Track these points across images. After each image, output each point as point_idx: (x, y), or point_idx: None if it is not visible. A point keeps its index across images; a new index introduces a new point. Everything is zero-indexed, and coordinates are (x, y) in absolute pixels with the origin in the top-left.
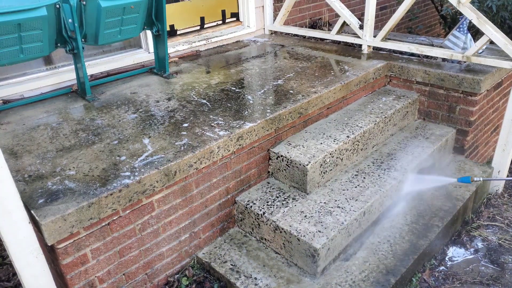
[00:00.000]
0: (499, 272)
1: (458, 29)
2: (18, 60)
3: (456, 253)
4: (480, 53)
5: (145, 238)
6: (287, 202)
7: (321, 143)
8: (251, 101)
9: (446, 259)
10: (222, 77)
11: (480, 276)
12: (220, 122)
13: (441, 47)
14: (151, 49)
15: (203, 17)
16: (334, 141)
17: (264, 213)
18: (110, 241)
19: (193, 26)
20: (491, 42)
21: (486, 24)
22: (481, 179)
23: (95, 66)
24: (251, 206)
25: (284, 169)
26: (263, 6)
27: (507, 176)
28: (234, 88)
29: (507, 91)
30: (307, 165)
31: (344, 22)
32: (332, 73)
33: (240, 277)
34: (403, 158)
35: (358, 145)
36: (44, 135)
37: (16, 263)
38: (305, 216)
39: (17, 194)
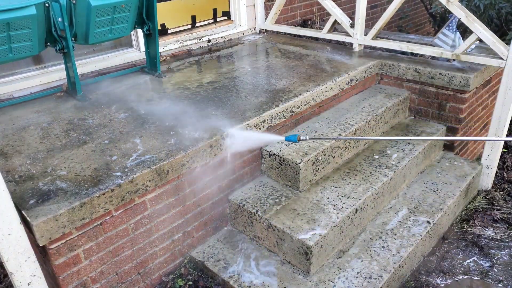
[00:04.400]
0: (489, 267)
1: (447, 28)
2: (7, 59)
3: (448, 249)
4: (469, 51)
5: (138, 238)
6: (280, 200)
7: (313, 141)
8: (243, 100)
9: (438, 254)
10: (214, 76)
11: (471, 270)
12: (213, 120)
13: (431, 45)
14: (142, 48)
15: (194, 16)
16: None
17: (257, 211)
18: (102, 241)
19: (185, 25)
20: (480, 40)
21: (475, 23)
22: (307, 138)
23: (86, 65)
24: (244, 205)
25: (277, 168)
26: (254, 5)
27: (496, 173)
28: (226, 87)
29: (495, 88)
30: (299, 163)
31: (335, 20)
32: (324, 72)
33: (233, 275)
34: (394, 155)
35: (349, 142)
36: (34, 135)
37: (7, 264)
38: (298, 213)
39: (7, 194)
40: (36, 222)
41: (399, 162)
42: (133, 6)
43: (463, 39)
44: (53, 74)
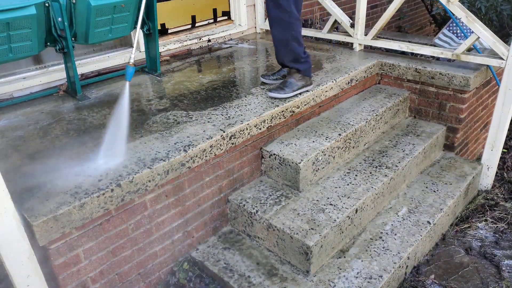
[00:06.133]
0: (494, 268)
1: (448, 28)
2: (7, 59)
3: (448, 249)
4: (469, 51)
5: (138, 238)
6: (280, 200)
7: (313, 141)
8: (243, 100)
9: (438, 254)
10: (214, 76)
11: (471, 270)
12: (213, 120)
13: (431, 45)
14: (142, 48)
15: (194, 15)
16: (326, 139)
17: (257, 211)
18: (102, 241)
19: (185, 25)
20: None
21: (475, 23)
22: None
23: (86, 65)
24: (244, 205)
25: (277, 168)
26: (254, 5)
27: (496, 173)
28: (226, 87)
29: (495, 88)
30: (299, 163)
31: (336, 20)
32: (324, 72)
33: (233, 275)
34: (394, 156)
35: (349, 143)
36: (34, 134)
37: (7, 264)
38: (298, 214)
39: (7, 194)
40: (36, 222)
41: (399, 162)
42: (133, 6)
43: (463, 39)
44: (53, 74)
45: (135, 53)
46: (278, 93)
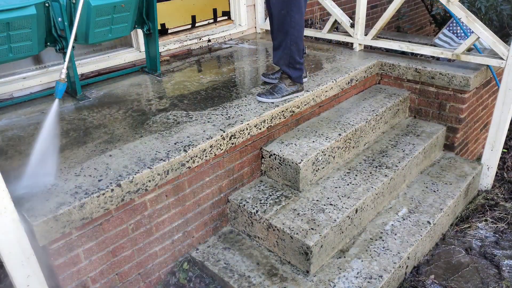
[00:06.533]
0: (495, 268)
1: (448, 28)
2: (7, 59)
3: (448, 249)
4: (469, 51)
5: (138, 238)
6: (280, 200)
7: (313, 141)
8: (243, 100)
9: (438, 254)
10: (214, 76)
11: (477, 271)
12: (213, 120)
13: (431, 45)
14: (142, 48)
15: (194, 15)
16: (326, 139)
17: (257, 211)
18: (102, 241)
19: (185, 25)
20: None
21: (475, 23)
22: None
23: (86, 65)
24: (244, 205)
25: (277, 168)
26: (254, 5)
27: (496, 173)
28: (226, 87)
29: (495, 88)
30: (299, 163)
31: (336, 20)
32: (324, 72)
33: (233, 275)
34: (394, 155)
35: (350, 143)
36: (34, 134)
37: (7, 264)
38: (298, 214)
39: (7, 194)
40: (36, 222)
41: (399, 162)
42: (133, 6)
43: (463, 39)
44: (53, 74)
45: (67, 67)
46: (267, 98)
